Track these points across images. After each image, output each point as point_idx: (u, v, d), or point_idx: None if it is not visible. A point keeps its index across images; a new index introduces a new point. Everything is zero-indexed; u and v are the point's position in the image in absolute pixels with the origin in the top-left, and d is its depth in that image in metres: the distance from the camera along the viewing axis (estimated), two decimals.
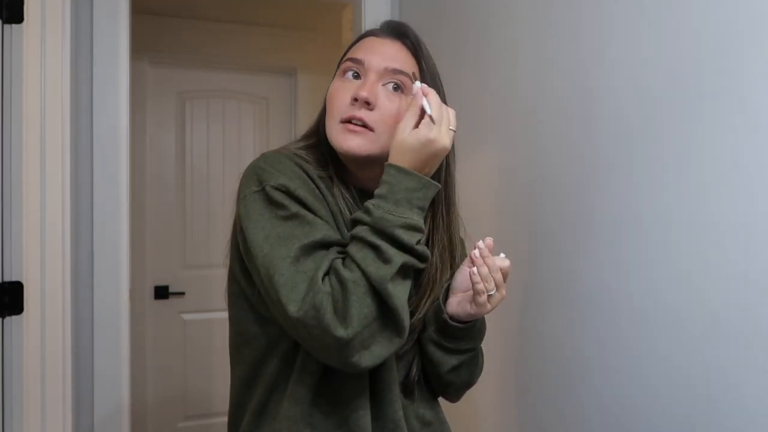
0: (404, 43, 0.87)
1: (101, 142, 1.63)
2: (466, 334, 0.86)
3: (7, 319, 1.37)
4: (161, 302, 2.74)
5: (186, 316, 2.78)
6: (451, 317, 0.85)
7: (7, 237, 1.37)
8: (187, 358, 2.77)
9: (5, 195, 1.37)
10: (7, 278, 1.37)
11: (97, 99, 1.63)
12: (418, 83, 0.78)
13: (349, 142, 0.81)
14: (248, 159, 0.91)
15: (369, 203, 0.74)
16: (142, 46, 2.50)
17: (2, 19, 1.36)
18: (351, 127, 0.81)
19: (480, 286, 0.80)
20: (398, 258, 0.71)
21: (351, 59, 0.85)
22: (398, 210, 0.73)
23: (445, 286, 0.88)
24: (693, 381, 0.86)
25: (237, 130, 2.90)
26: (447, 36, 1.64)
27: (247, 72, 2.91)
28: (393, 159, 0.76)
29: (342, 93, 0.83)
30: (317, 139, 0.90)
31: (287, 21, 2.90)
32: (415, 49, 0.87)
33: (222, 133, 2.87)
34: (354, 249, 0.73)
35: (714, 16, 0.83)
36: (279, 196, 0.75)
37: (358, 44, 0.88)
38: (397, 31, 0.88)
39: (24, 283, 1.39)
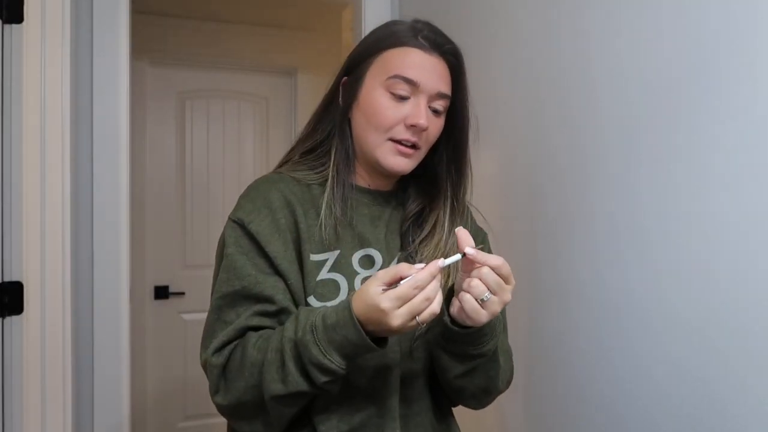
0: (447, 60, 0.85)
1: (101, 142, 1.63)
2: (470, 339, 0.77)
3: (7, 319, 1.37)
4: (161, 302, 2.74)
5: (186, 316, 2.78)
6: (452, 320, 0.77)
7: (7, 237, 1.37)
8: (187, 358, 2.77)
9: (5, 195, 1.37)
10: (7, 278, 1.37)
11: (97, 99, 1.63)
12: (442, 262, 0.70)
13: (400, 164, 0.83)
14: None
15: (316, 321, 0.71)
16: (142, 46, 2.50)
17: (2, 19, 1.36)
18: (403, 149, 0.82)
19: (472, 293, 0.71)
20: (299, 386, 0.71)
21: (404, 79, 0.80)
22: (328, 349, 0.69)
23: (449, 285, 0.82)
24: (692, 378, 0.86)
25: (237, 130, 2.90)
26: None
27: (247, 72, 2.91)
28: (356, 299, 0.69)
29: (392, 113, 0.81)
30: (325, 136, 0.88)
31: (287, 21, 2.90)
32: (456, 68, 0.86)
33: (222, 133, 2.87)
34: (273, 344, 0.73)
35: (699, 18, 0.83)
36: (229, 231, 0.82)
37: (404, 57, 0.82)
38: (442, 47, 0.84)
39: (24, 283, 1.39)
